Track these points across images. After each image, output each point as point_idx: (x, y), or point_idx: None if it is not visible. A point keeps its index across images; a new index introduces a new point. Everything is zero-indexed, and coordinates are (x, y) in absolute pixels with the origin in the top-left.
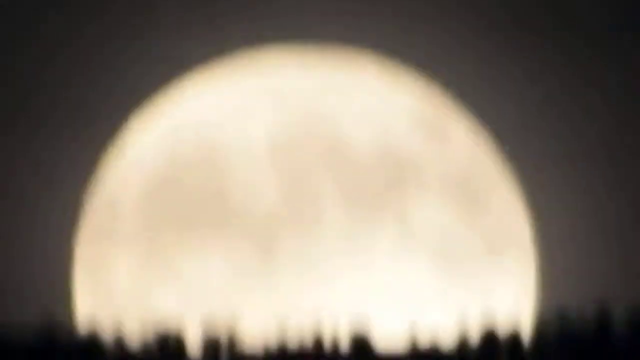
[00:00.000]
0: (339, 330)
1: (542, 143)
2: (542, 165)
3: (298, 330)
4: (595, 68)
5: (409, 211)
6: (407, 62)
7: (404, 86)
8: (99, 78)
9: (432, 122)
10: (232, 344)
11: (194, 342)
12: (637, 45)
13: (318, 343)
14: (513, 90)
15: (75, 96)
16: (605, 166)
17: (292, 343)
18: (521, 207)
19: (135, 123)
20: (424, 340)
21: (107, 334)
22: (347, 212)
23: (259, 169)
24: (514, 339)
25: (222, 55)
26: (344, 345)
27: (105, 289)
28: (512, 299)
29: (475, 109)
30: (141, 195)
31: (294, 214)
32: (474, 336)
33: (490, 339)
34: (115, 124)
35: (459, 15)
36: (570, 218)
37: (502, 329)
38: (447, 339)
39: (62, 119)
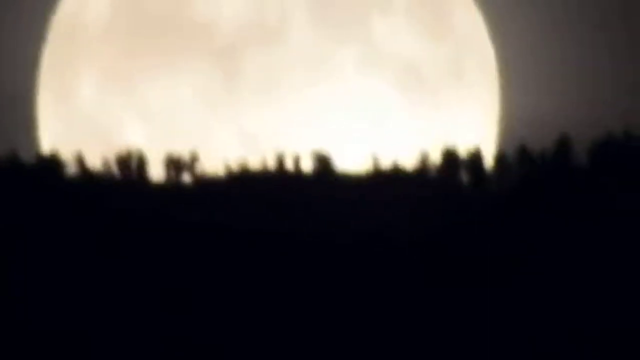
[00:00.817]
0: (301, 151)
1: None
2: None
3: (261, 149)
4: None
5: (374, 29)
6: None
7: None
8: None
9: None
10: (193, 163)
11: (156, 163)
12: None
13: (280, 162)
14: None
15: None
16: None
17: (255, 162)
18: (485, 28)
19: None
20: (386, 161)
21: (69, 156)
22: (313, 27)
23: None
24: (475, 158)
25: None
26: (306, 165)
27: (69, 114)
28: (475, 123)
29: None
30: (106, 14)
31: (259, 27)
32: (436, 157)
33: (450, 158)
34: None
35: None
36: (534, 42)
37: (464, 150)
38: (409, 160)
39: None
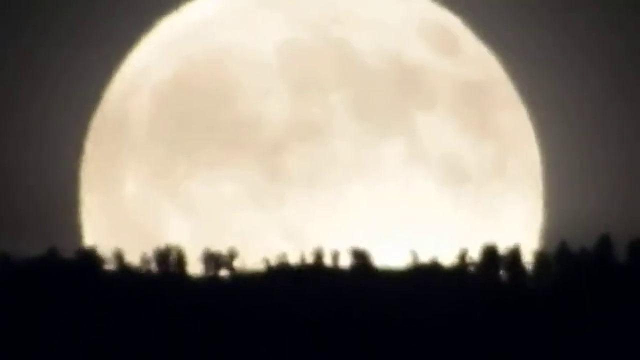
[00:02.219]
0: (343, 245)
1: (551, 64)
2: (550, 82)
3: (304, 244)
4: None
5: (418, 124)
6: None
7: (412, 1)
8: None
9: (441, 34)
10: (232, 259)
11: (195, 259)
12: None
13: (319, 258)
14: (516, 6)
15: (88, 5)
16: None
17: (294, 259)
18: (530, 127)
19: (146, 39)
20: (426, 258)
21: (109, 252)
22: (356, 123)
23: (268, 76)
24: (514, 256)
25: None
26: (345, 260)
27: (113, 211)
28: (517, 221)
29: (481, 26)
30: (149, 110)
31: (303, 124)
32: (476, 255)
33: (491, 254)
34: (127, 38)
35: None
36: (578, 143)
37: (504, 247)
38: (449, 258)
39: (74, 29)
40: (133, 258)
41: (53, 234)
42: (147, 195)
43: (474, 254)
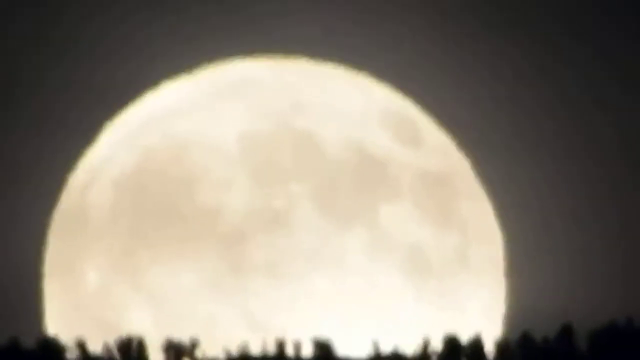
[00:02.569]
0: (305, 335)
1: (511, 150)
2: (511, 171)
3: (266, 334)
4: (554, 69)
5: (381, 215)
6: (375, 74)
7: (373, 91)
8: (79, 80)
9: (402, 124)
10: (193, 348)
11: (157, 349)
12: (595, 42)
13: (281, 348)
14: (477, 96)
15: (49, 98)
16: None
17: (258, 347)
18: (493, 217)
19: (108, 130)
20: (389, 347)
21: (71, 341)
22: (319, 213)
23: (229, 165)
24: (476, 345)
25: (193, 67)
26: (307, 351)
27: (75, 301)
28: (480, 310)
29: (440, 115)
30: (110, 201)
31: (265, 214)
32: (438, 345)
33: (452, 344)
34: (87, 131)
35: (423, 31)
36: (542, 232)
37: (466, 338)
38: (412, 346)
39: (36, 124)
40: (95, 347)
41: (14, 325)
42: (108, 285)
43: (437, 344)
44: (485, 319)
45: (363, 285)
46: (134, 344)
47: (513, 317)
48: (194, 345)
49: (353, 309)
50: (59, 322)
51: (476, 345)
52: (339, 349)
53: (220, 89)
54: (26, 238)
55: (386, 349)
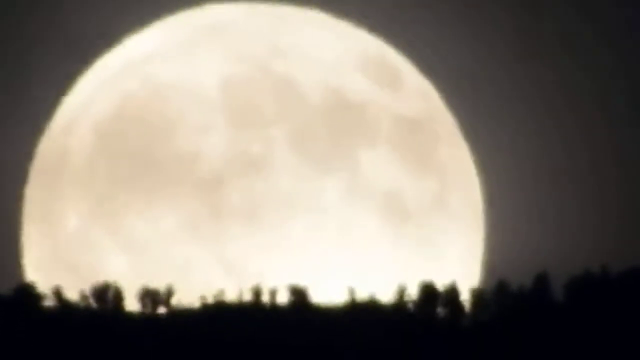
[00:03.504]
0: (282, 281)
1: (490, 101)
2: (490, 119)
3: (243, 279)
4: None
5: (359, 158)
6: (354, 20)
7: (352, 36)
8: (56, 28)
9: (382, 68)
10: (169, 296)
11: (133, 293)
12: None
13: (257, 296)
14: (455, 42)
15: (28, 44)
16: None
17: (231, 297)
18: (470, 161)
19: (87, 74)
20: (366, 294)
21: (48, 288)
22: (297, 159)
23: (209, 109)
24: (452, 293)
25: (174, 11)
26: (283, 298)
27: (53, 246)
28: (458, 257)
29: (420, 61)
30: (91, 146)
31: (242, 159)
32: (414, 291)
33: (428, 292)
34: (65, 77)
35: None
36: (520, 179)
37: (442, 284)
38: (388, 293)
39: (18, 63)
40: (72, 293)
41: None
42: (86, 230)
43: (413, 291)
44: (463, 265)
45: (340, 230)
46: (110, 291)
47: (490, 263)
48: (169, 292)
49: (330, 255)
50: (38, 267)
51: (452, 293)
52: (315, 296)
53: (198, 33)
54: (7, 182)
55: (362, 295)
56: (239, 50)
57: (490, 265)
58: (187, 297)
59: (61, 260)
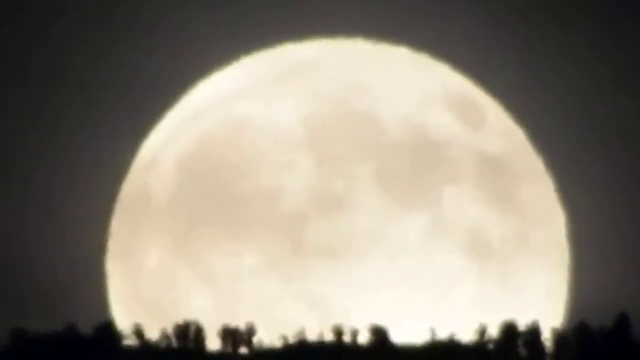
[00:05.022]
0: (365, 318)
1: (575, 133)
2: (576, 157)
3: (326, 316)
4: (617, 57)
5: (443, 197)
6: (436, 55)
7: (436, 73)
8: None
9: (465, 105)
10: (250, 334)
11: (215, 330)
12: None
13: (338, 335)
14: (542, 82)
15: (105, 88)
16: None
17: (312, 336)
18: (555, 199)
19: (170, 112)
20: (447, 333)
21: (130, 324)
22: (380, 194)
23: (293, 149)
24: (534, 333)
25: (256, 50)
26: (364, 337)
27: (137, 284)
28: (541, 298)
29: (506, 99)
30: (172, 183)
31: (325, 194)
32: (495, 332)
33: (509, 332)
34: (151, 112)
35: (488, 12)
36: (605, 217)
37: (524, 324)
38: (470, 333)
39: (99, 104)
40: (154, 331)
41: (78, 307)
42: (169, 267)
43: (494, 330)
44: (546, 301)
45: (424, 267)
46: (192, 329)
47: (574, 302)
48: (250, 331)
49: (413, 291)
50: (120, 303)
51: (534, 333)
52: (396, 334)
53: (280, 72)
54: (90, 219)
55: (443, 335)
56: (322, 88)
57: (573, 304)
58: (271, 331)
59: (143, 296)
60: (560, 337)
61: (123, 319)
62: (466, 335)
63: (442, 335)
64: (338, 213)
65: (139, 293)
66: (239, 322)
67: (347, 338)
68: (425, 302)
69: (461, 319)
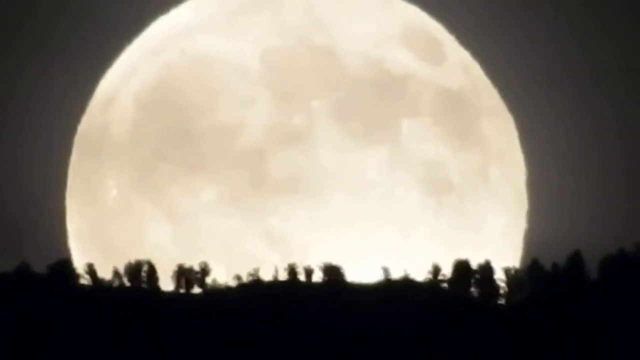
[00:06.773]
0: (319, 256)
1: (531, 68)
2: (531, 91)
3: (284, 251)
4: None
5: (401, 130)
6: None
7: (397, 8)
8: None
9: (425, 41)
10: (204, 274)
11: (171, 271)
12: None
13: (293, 274)
14: (500, 17)
15: (73, 16)
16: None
17: (266, 275)
18: (514, 134)
19: (128, 47)
20: (403, 269)
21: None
22: (339, 130)
23: (251, 83)
24: (486, 272)
25: None
26: (318, 275)
27: (96, 218)
28: (499, 233)
29: (464, 36)
30: (131, 120)
31: (284, 130)
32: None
33: (463, 271)
34: (110, 47)
35: None
36: (561, 157)
37: (482, 259)
38: (424, 271)
39: (64, 41)
40: (118, 264)
41: (39, 239)
42: (128, 202)
43: (448, 268)
44: (503, 238)
45: (382, 203)
46: (144, 269)
47: (530, 238)
48: (204, 271)
49: (371, 228)
50: (77, 240)
51: (486, 272)
52: (352, 273)
53: (241, 6)
54: (50, 155)
55: (398, 274)
56: (282, 23)
57: (530, 239)
58: (229, 267)
59: (103, 231)
60: (513, 276)
61: (80, 257)
62: (421, 274)
63: (397, 274)
64: (298, 148)
65: (96, 230)
66: (198, 259)
67: (301, 277)
68: (383, 239)
69: (418, 257)
